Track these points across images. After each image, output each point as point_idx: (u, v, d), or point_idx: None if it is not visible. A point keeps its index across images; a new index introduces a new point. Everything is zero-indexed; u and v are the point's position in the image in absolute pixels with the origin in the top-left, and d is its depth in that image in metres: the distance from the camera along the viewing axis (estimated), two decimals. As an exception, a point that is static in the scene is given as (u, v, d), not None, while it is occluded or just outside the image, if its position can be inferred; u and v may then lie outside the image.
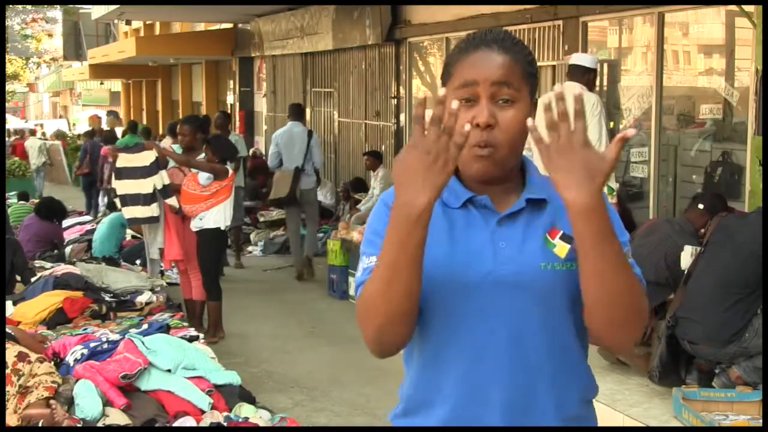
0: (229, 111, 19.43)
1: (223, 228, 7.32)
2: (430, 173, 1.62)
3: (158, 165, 7.37)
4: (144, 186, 7.38)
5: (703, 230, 5.20)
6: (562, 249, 1.80)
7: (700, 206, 5.36)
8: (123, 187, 7.52)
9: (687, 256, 5.01)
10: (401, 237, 1.65)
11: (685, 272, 4.96)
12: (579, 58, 6.91)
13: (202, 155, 7.36)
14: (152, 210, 7.40)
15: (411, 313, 1.72)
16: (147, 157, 7.40)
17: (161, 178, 7.37)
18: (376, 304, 1.70)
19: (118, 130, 18.18)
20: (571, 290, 1.79)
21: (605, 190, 1.77)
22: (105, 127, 19.14)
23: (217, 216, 7.25)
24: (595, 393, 1.93)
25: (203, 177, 7.22)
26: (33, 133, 27.60)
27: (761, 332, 4.54)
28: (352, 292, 8.35)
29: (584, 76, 6.74)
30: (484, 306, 1.79)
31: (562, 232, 1.81)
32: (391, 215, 1.67)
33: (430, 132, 1.61)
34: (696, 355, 4.80)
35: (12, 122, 35.26)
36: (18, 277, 7.37)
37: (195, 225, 7.28)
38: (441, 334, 1.82)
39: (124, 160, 7.52)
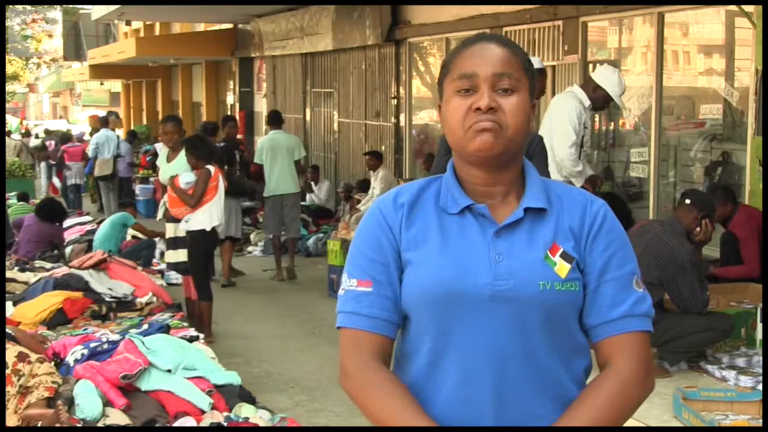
0: (229, 111, 19.43)
1: (208, 229, 7.36)
2: None
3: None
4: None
5: (696, 228, 5.16)
6: (562, 268, 1.75)
7: (687, 201, 5.29)
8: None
9: None
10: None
11: None
12: (599, 77, 6.27)
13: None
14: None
15: None
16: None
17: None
18: (358, 400, 1.79)
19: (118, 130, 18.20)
20: (571, 309, 1.77)
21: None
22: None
23: (203, 217, 7.31)
24: None
25: (183, 181, 7.28)
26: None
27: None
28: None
29: (594, 90, 6.18)
30: (476, 320, 1.74)
31: (562, 249, 1.77)
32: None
33: None
34: None
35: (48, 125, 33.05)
36: None
37: (182, 227, 7.38)
38: (434, 347, 1.78)
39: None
